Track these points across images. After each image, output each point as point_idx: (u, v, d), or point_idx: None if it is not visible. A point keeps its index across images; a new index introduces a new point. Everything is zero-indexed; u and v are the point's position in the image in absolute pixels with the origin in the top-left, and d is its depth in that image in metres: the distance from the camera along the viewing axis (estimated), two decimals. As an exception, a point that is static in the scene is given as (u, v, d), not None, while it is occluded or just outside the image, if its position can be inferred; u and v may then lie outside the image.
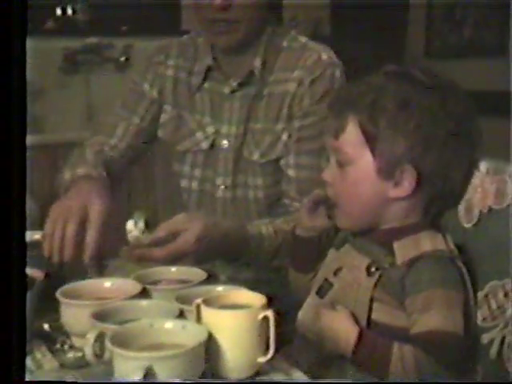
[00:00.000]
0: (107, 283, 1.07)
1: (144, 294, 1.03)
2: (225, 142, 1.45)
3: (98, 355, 0.87)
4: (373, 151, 0.99)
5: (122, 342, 0.84)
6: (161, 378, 0.81)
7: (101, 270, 1.18)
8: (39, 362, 0.94)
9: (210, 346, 0.87)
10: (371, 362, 0.94)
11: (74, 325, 0.98)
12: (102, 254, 1.18)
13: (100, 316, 0.92)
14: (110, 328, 0.88)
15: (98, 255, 1.16)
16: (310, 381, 0.92)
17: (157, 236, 1.15)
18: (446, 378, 0.91)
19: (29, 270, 1.02)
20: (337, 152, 1.04)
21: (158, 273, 1.12)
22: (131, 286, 1.04)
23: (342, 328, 0.96)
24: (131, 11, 3.17)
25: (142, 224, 1.16)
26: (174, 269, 1.13)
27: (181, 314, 0.94)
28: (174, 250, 1.15)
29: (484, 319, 1.00)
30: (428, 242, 0.99)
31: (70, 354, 0.96)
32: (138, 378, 0.79)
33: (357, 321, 0.97)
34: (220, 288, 1.01)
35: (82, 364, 0.92)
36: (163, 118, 1.51)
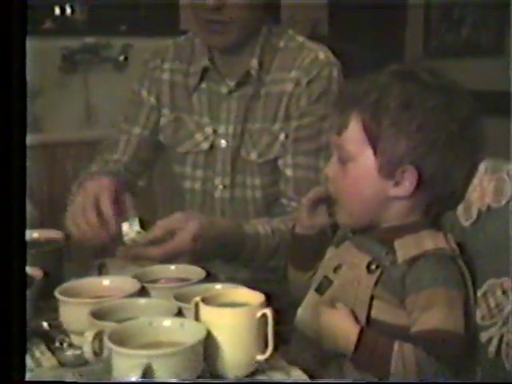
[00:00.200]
0: (106, 281, 1.07)
1: (143, 292, 1.03)
2: (223, 142, 1.45)
3: (97, 353, 0.87)
4: (374, 149, 0.99)
5: (121, 340, 0.84)
6: (159, 375, 0.81)
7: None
8: (38, 361, 0.94)
9: (209, 344, 0.87)
10: (372, 361, 0.94)
11: (73, 323, 0.98)
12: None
13: (99, 314, 0.92)
14: (108, 326, 0.88)
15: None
16: (309, 381, 0.92)
17: (153, 234, 1.15)
18: (446, 377, 0.91)
19: (28, 269, 1.02)
20: (339, 148, 1.04)
21: (157, 271, 1.12)
22: (130, 284, 1.04)
23: (341, 326, 0.96)
24: (130, 11, 3.17)
25: (136, 225, 1.16)
26: (172, 267, 1.13)
27: (179, 312, 0.94)
28: (170, 248, 1.15)
29: (483, 317, 1.00)
30: (429, 241, 0.99)
31: (69, 352, 0.96)
32: (136, 375, 0.79)
33: (357, 319, 0.97)
34: (219, 286, 1.01)
35: (80, 362, 0.92)
36: (162, 121, 1.51)
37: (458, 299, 0.95)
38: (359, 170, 1.01)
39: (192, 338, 0.85)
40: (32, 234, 1.24)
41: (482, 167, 1.05)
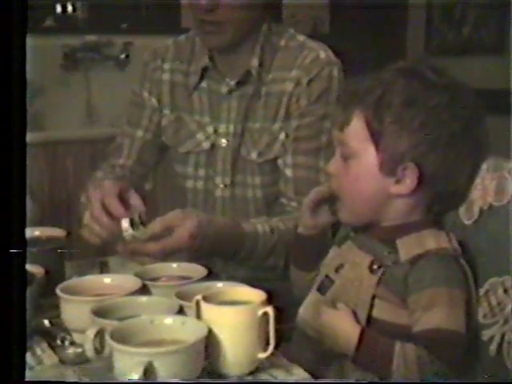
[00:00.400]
0: (107, 279, 1.07)
1: (144, 290, 1.03)
2: (223, 141, 1.45)
3: (98, 351, 0.87)
4: (376, 146, 0.99)
5: (122, 337, 0.84)
6: (161, 373, 0.81)
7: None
8: (39, 358, 0.94)
9: (210, 342, 0.87)
10: (373, 361, 0.94)
11: (74, 321, 0.98)
12: None
13: (100, 312, 0.92)
14: (110, 324, 0.88)
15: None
16: (308, 381, 0.92)
17: (151, 230, 1.15)
18: (447, 376, 0.91)
19: (29, 267, 1.02)
20: (341, 145, 1.04)
21: (158, 269, 1.12)
22: (131, 282, 1.04)
23: (343, 327, 0.96)
24: (131, 9, 3.17)
25: (136, 221, 1.16)
26: (174, 265, 1.14)
27: (181, 311, 0.94)
28: (167, 245, 1.15)
29: (484, 316, 1.00)
30: (432, 240, 0.99)
31: (70, 350, 0.96)
32: (138, 373, 0.79)
33: (358, 319, 0.97)
34: (220, 284, 1.02)
35: (82, 360, 0.92)
36: (163, 122, 1.51)
37: (459, 298, 0.95)
38: (361, 166, 1.01)
39: (193, 336, 0.85)
40: (33, 232, 1.24)
41: (483, 165, 1.05)
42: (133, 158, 1.52)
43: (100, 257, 1.32)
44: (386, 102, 0.98)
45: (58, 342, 0.98)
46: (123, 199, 1.23)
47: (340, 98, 1.07)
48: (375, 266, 0.99)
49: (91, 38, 3.05)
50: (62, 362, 0.93)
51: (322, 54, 1.40)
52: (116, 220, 1.19)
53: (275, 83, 1.41)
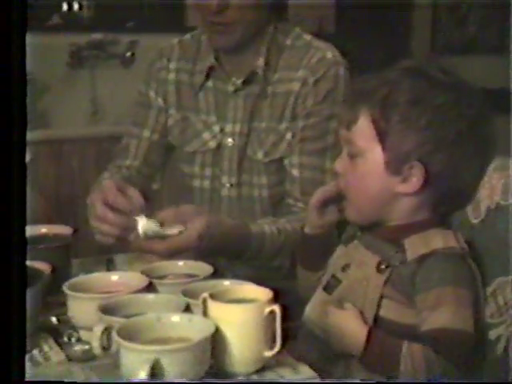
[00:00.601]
0: (114, 277, 1.07)
1: (151, 288, 1.03)
2: (229, 141, 1.45)
3: (105, 348, 0.87)
4: (383, 145, 0.99)
5: (129, 335, 0.84)
6: (167, 371, 0.81)
7: None
8: (47, 355, 0.94)
9: (217, 339, 0.87)
10: (380, 362, 0.94)
11: (81, 318, 0.98)
12: None
13: (107, 309, 0.92)
14: (117, 321, 0.88)
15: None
16: (315, 381, 0.92)
17: (162, 218, 1.15)
18: (454, 376, 0.91)
19: (36, 264, 1.02)
20: (348, 143, 1.04)
21: (165, 267, 1.12)
22: (138, 279, 1.04)
23: (350, 327, 0.96)
24: (136, 7, 3.17)
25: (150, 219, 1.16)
26: (180, 263, 1.14)
27: (187, 308, 0.94)
28: (176, 244, 1.15)
29: (491, 315, 1.00)
30: (439, 239, 0.99)
31: (77, 347, 0.96)
32: (144, 371, 0.79)
33: (365, 319, 0.96)
34: (227, 282, 1.01)
35: (89, 357, 0.92)
36: (169, 122, 1.51)
37: (467, 298, 0.95)
38: (367, 165, 1.01)
39: (200, 333, 0.85)
40: (40, 230, 1.24)
41: (491, 165, 1.05)
42: (139, 159, 1.52)
43: (106, 254, 1.32)
44: (392, 101, 0.98)
45: (65, 338, 0.98)
46: (124, 195, 1.23)
47: (347, 97, 1.07)
48: (383, 266, 0.99)
49: (97, 36, 3.05)
50: (69, 358, 0.94)
51: (329, 54, 1.40)
52: (123, 215, 1.20)
53: (281, 83, 1.41)
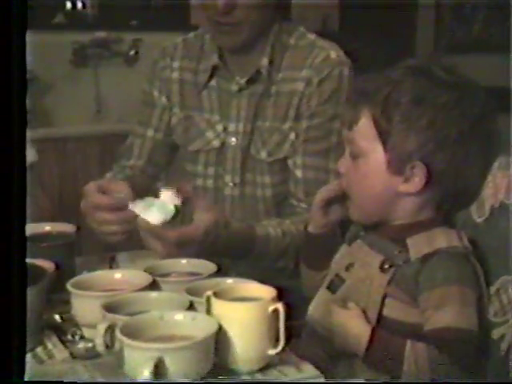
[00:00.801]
0: (118, 275, 1.07)
1: (154, 286, 1.03)
2: (233, 140, 1.45)
3: (109, 346, 0.87)
4: (384, 145, 0.99)
5: (133, 333, 0.84)
6: (171, 369, 0.81)
7: None
8: (50, 352, 0.95)
9: (220, 338, 0.87)
10: (384, 361, 0.94)
11: (85, 316, 0.98)
12: None
13: (110, 307, 0.92)
14: (120, 319, 0.88)
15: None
16: (319, 381, 0.92)
17: (176, 191, 1.15)
18: (458, 375, 0.91)
19: (39, 262, 1.02)
20: (350, 143, 1.04)
21: (168, 265, 1.12)
22: (141, 277, 1.04)
23: (353, 327, 0.96)
24: (140, 6, 3.17)
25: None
26: (184, 261, 1.13)
27: (191, 306, 0.94)
28: (183, 233, 1.15)
29: (495, 314, 1.00)
30: (442, 239, 0.99)
31: (81, 345, 0.96)
32: (148, 369, 0.79)
33: (368, 318, 0.96)
34: (230, 280, 1.01)
35: (92, 355, 0.92)
36: (173, 121, 1.51)
37: (471, 297, 0.95)
38: (369, 165, 1.01)
39: (204, 331, 0.85)
40: (44, 227, 1.24)
41: (495, 163, 1.05)
42: (144, 158, 1.53)
43: (109, 252, 1.33)
44: (393, 101, 0.98)
45: (69, 336, 0.98)
46: (108, 192, 1.23)
47: (349, 97, 1.07)
48: (386, 266, 0.99)
49: (101, 34, 3.06)
50: (73, 356, 0.94)
51: (333, 54, 1.40)
52: (117, 211, 1.20)
53: (285, 83, 1.41)
